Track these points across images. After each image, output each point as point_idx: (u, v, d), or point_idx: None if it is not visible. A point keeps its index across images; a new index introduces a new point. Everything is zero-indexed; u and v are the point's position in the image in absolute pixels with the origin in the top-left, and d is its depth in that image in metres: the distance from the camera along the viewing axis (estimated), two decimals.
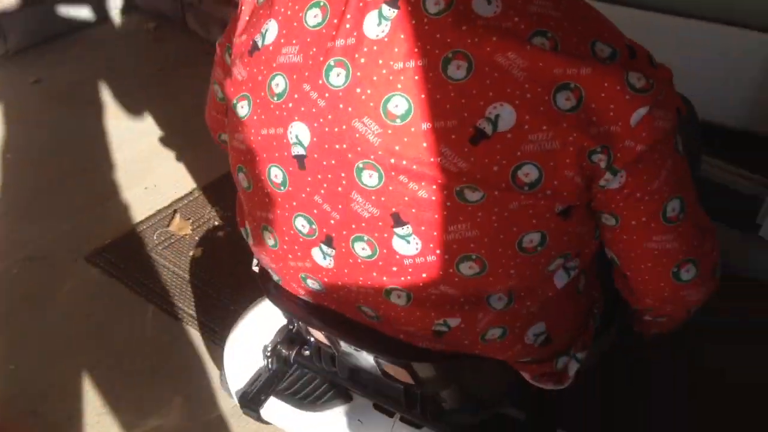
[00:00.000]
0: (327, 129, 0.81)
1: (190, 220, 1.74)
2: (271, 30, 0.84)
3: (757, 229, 1.59)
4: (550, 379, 0.99)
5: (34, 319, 1.50)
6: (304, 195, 0.87)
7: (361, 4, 0.78)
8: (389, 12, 0.76)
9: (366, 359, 1.07)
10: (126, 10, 2.58)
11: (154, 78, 2.27)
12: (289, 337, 1.24)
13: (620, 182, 0.80)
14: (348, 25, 0.78)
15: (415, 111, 0.77)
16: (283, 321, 1.27)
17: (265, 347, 1.25)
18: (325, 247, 0.89)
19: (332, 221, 0.87)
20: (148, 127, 2.05)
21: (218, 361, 1.40)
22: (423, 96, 0.76)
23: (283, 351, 1.24)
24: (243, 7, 0.90)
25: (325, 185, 0.85)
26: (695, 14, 1.75)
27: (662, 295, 0.91)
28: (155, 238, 1.69)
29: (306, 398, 1.26)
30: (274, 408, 1.25)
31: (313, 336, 1.14)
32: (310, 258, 0.92)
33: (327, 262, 0.90)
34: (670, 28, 1.77)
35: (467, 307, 0.87)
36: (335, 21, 0.79)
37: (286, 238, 0.92)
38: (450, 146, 0.76)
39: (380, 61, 0.77)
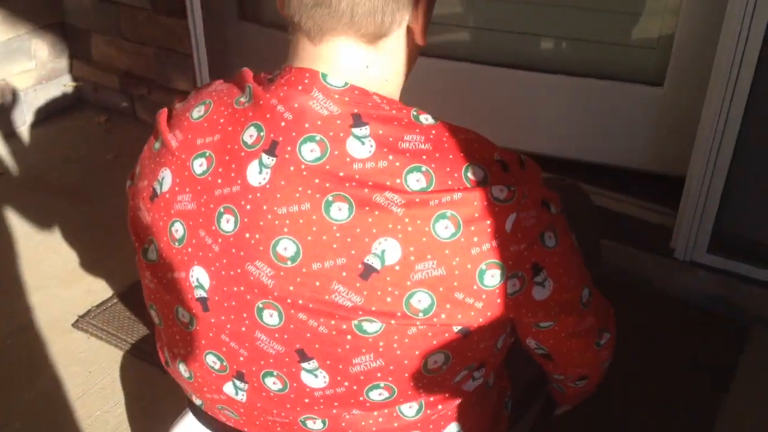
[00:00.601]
0: (224, 272, 0.86)
1: None
2: (167, 178, 0.90)
3: (671, 252, 1.86)
4: None
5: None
6: (211, 334, 0.91)
7: (242, 154, 0.84)
8: (268, 161, 0.82)
9: None
10: (72, 108, 2.73)
11: (114, 162, 2.42)
12: None
13: (540, 285, 0.86)
14: (233, 174, 0.84)
15: (305, 252, 0.81)
16: None
17: None
18: (237, 382, 0.94)
19: (241, 358, 0.91)
20: (103, 214, 2.19)
21: None
22: (309, 238, 0.81)
23: None
24: (144, 149, 0.97)
25: (228, 326, 0.89)
26: (590, 73, 2.06)
27: (585, 361, 1.03)
28: (137, 303, 1.83)
29: None
30: None
31: None
32: (223, 392, 0.96)
33: (240, 396, 0.95)
34: (570, 89, 2.07)
35: (382, 421, 0.92)
36: (220, 170, 0.85)
37: (199, 373, 0.97)
38: (342, 283, 0.81)
39: (264, 207, 0.82)
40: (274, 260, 0.83)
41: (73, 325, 1.77)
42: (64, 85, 2.69)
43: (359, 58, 0.84)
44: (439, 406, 0.94)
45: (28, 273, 1.94)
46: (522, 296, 0.86)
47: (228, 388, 0.95)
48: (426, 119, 0.84)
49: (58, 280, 1.91)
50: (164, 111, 0.97)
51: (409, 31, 0.87)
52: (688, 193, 1.81)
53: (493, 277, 0.82)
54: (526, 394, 1.15)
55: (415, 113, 0.84)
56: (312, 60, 0.84)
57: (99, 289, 1.88)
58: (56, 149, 2.50)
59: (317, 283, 0.82)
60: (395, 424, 0.93)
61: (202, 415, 1.08)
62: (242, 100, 0.88)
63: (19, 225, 2.12)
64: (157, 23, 2.41)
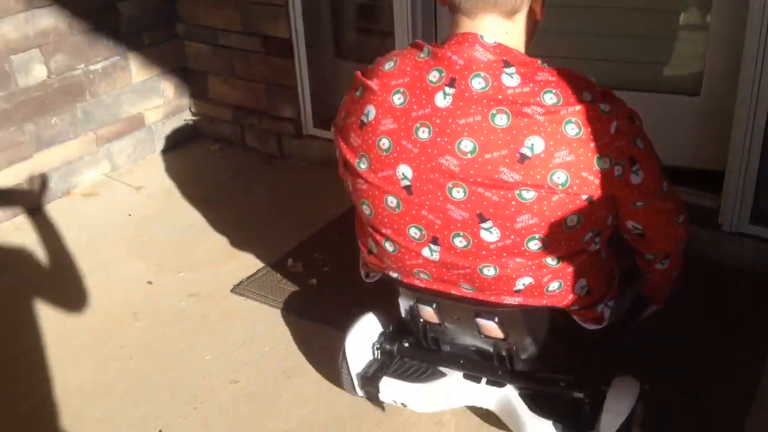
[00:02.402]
0: (422, 166, 1.30)
1: (300, 263, 2.30)
2: (371, 111, 1.34)
3: (719, 227, 2.25)
4: (593, 322, 1.48)
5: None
6: (413, 211, 1.33)
7: (430, 88, 1.29)
8: (450, 91, 1.28)
9: (463, 330, 1.52)
10: (189, 139, 3.21)
11: (234, 178, 2.88)
12: (390, 336, 1.72)
13: (634, 174, 1.28)
14: (424, 101, 1.29)
15: (479, 148, 1.25)
16: (380, 328, 1.72)
17: (373, 344, 1.71)
18: (432, 246, 1.36)
19: (436, 226, 1.33)
20: (247, 208, 2.64)
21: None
22: (482, 138, 1.25)
23: (387, 346, 1.70)
24: (345, 99, 1.44)
25: (427, 203, 1.31)
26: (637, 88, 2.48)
27: (668, 235, 1.46)
28: (278, 275, 2.25)
29: (410, 376, 1.68)
30: (386, 386, 1.65)
31: (422, 318, 1.55)
32: (421, 256, 1.38)
33: (434, 256, 1.37)
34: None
35: (534, 268, 1.35)
36: (413, 99, 1.30)
37: (403, 244, 1.38)
38: (506, 167, 1.24)
39: (449, 120, 1.27)
40: (459, 154, 1.28)
41: (231, 291, 2.19)
42: (184, 119, 3.18)
43: (501, 27, 1.31)
44: (573, 263, 1.36)
45: (186, 259, 2.37)
46: (624, 180, 1.30)
47: (425, 251, 1.38)
48: (547, 65, 1.30)
49: (212, 262, 2.34)
50: (358, 72, 1.43)
51: (531, 10, 1.34)
52: (729, 179, 2.21)
53: (605, 163, 1.26)
54: (621, 282, 1.55)
55: (540, 61, 1.32)
56: (470, 29, 1.32)
57: (244, 267, 2.30)
58: (183, 170, 2.97)
59: (489, 167, 1.26)
60: (543, 270, 1.36)
61: (394, 282, 1.50)
62: (422, 56, 1.34)
63: (166, 224, 2.57)
64: (267, 63, 2.89)
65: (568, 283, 1.39)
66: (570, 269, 1.37)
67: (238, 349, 1.96)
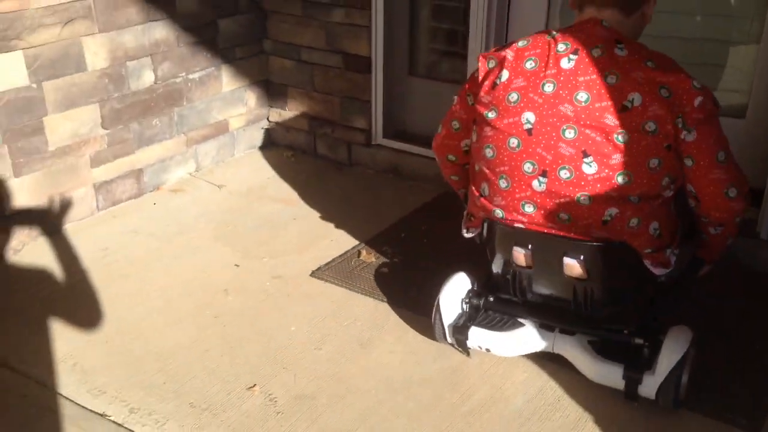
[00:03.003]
0: (544, 112, 1.68)
1: (372, 254, 2.55)
2: (505, 74, 1.74)
3: (758, 235, 2.45)
4: (661, 265, 1.76)
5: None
6: (531, 149, 1.70)
7: (557, 54, 1.69)
8: (573, 56, 1.69)
9: (549, 274, 1.80)
10: (265, 145, 3.50)
11: (307, 182, 3.16)
12: (477, 292, 2.02)
13: (692, 136, 1.64)
14: (551, 64, 1.70)
15: (592, 99, 1.65)
16: (468, 286, 2.03)
17: (462, 299, 2.01)
18: (541, 178, 1.70)
19: (547, 161, 1.69)
20: (320, 207, 2.91)
21: (420, 322, 2.13)
22: (594, 91, 1.65)
23: (474, 300, 2.01)
24: (478, 74, 1.80)
25: (543, 142, 1.69)
26: None
27: (719, 206, 1.73)
28: (352, 263, 2.50)
29: (494, 325, 1.98)
30: (474, 334, 1.96)
31: (515, 263, 1.83)
32: (530, 188, 1.72)
33: (542, 188, 1.71)
34: None
35: (620, 202, 1.66)
36: (542, 64, 1.71)
37: (516, 179, 1.73)
38: (611, 114, 1.64)
39: (571, 78, 1.67)
40: (575, 103, 1.66)
41: (310, 275, 2.45)
42: (262, 127, 3.47)
43: (616, 20, 1.72)
44: (650, 204, 1.66)
45: (267, 247, 2.64)
46: (683, 141, 1.67)
47: (534, 183, 1.71)
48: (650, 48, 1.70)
49: (291, 251, 2.61)
50: (482, 54, 1.81)
51: (643, 13, 1.75)
52: None
53: (680, 124, 1.64)
54: (683, 238, 1.83)
55: (645, 45, 1.68)
56: (594, 16, 1.72)
57: (320, 256, 2.56)
58: (261, 172, 3.26)
59: (597, 114, 1.64)
60: (627, 205, 1.66)
61: (500, 227, 1.82)
62: (548, 37, 1.74)
63: (247, 217, 2.85)
64: (345, 78, 3.18)
65: (645, 221, 1.69)
66: (647, 209, 1.68)
67: (320, 323, 2.21)
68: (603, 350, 1.87)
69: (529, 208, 1.76)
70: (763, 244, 2.44)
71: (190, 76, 3.04)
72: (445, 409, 1.87)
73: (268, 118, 3.49)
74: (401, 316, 2.21)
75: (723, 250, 1.90)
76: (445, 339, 2.03)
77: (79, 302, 2.31)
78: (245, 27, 3.21)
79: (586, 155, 1.66)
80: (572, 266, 1.76)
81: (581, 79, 1.66)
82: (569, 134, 1.67)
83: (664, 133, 1.64)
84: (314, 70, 3.26)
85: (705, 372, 1.92)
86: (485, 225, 1.87)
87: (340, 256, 2.55)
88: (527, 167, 1.72)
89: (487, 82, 1.77)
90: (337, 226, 2.76)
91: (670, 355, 1.78)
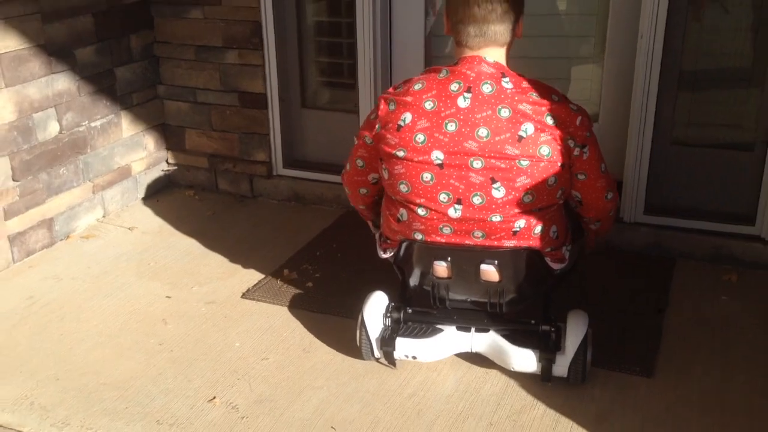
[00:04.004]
0: (451, 149, 1.88)
1: (294, 272, 2.77)
2: (408, 116, 1.92)
3: (621, 219, 2.88)
4: (559, 261, 2.06)
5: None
6: (444, 181, 1.90)
7: (452, 94, 1.88)
8: (468, 95, 1.88)
9: (466, 282, 2.01)
10: (167, 187, 3.62)
11: (215, 216, 3.32)
12: (396, 306, 2.20)
13: (587, 155, 1.94)
14: (449, 104, 1.89)
15: (492, 133, 1.86)
16: (387, 302, 2.19)
17: (383, 315, 2.18)
18: (456, 206, 1.93)
19: (460, 190, 1.90)
20: (233, 238, 3.08)
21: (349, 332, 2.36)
22: (493, 126, 1.86)
23: (395, 314, 2.18)
24: (377, 118, 1.99)
25: (454, 173, 1.89)
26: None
27: (599, 207, 2.08)
28: (278, 282, 2.70)
29: (417, 334, 2.16)
30: (400, 344, 2.13)
31: (435, 275, 2.04)
32: (446, 215, 1.94)
33: (458, 214, 1.94)
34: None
35: (526, 215, 1.93)
36: (441, 104, 1.90)
37: (434, 208, 1.95)
38: (510, 144, 1.86)
39: (470, 116, 1.87)
40: (477, 138, 1.87)
41: (242, 297, 2.63)
42: (162, 170, 3.60)
43: (496, 51, 1.93)
44: (549, 212, 1.95)
45: (193, 277, 2.79)
46: (578, 156, 1.92)
47: (450, 211, 1.93)
48: (525, 76, 1.93)
49: (217, 278, 2.77)
50: (382, 96, 2.00)
51: (514, 36, 1.96)
52: (626, 183, 2.86)
53: (571, 143, 1.91)
54: (574, 232, 2.15)
55: (522, 75, 1.93)
56: (476, 54, 1.92)
57: (246, 280, 2.74)
58: (166, 212, 3.38)
59: (498, 146, 1.87)
60: (531, 217, 1.93)
61: (418, 245, 2.01)
62: (441, 75, 1.93)
63: (166, 253, 2.98)
64: (242, 115, 3.39)
65: (546, 227, 1.98)
66: (547, 216, 1.97)
67: (261, 336, 2.40)
68: (517, 340, 2.11)
69: (446, 230, 1.98)
70: (626, 227, 2.88)
71: (92, 124, 3.14)
72: (391, 393, 2.12)
73: (167, 160, 3.62)
74: (334, 322, 2.44)
75: (602, 239, 2.27)
76: (372, 355, 2.18)
77: (19, 348, 2.37)
78: (140, 74, 3.35)
79: (494, 181, 1.89)
80: (488, 272, 2.00)
81: (479, 116, 1.87)
82: (477, 164, 1.88)
83: (557, 154, 1.89)
84: (211, 110, 3.44)
85: (601, 339, 2.26)
86: (403, 245, 2.06)
87: (265, 277, 2.75)
88: (443, 197, 1.93)
89: (391, 125, 1.95)
90: (255, 252, 2.95)
91: (574, 337, 2.06)
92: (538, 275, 2.08)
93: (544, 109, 1.87)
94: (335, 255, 2.90)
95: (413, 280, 2.14)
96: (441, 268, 2.03)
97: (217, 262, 2.90)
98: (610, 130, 3.01)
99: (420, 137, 1.91)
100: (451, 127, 1.88)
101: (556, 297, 2.24)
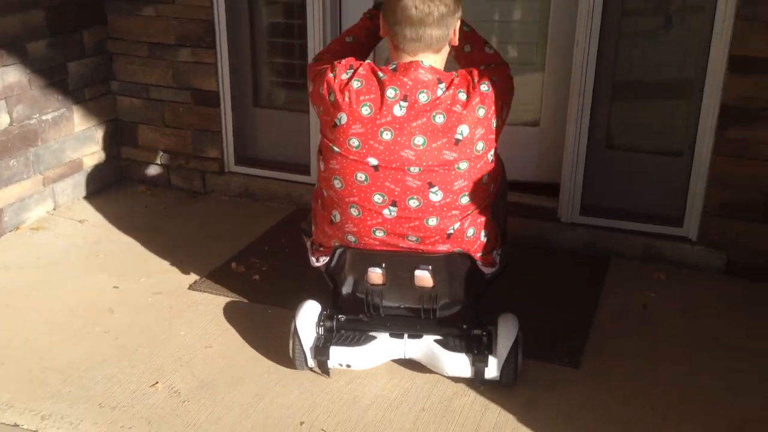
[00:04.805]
0: (387, 157, 1.86)
1: (242, 265, 2.84)
2: (343, 117, 1.88)
3: (558, 220, 3.01)
4: (490, 265, 2.10)
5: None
6: (379, 183, 1.88)
7: (389, 102, 1.85)
8: (404, 103, 1.86)
9: (400, 288, 2.04)
10: (119, 181, 3.66)
11: (166, 211, 3.37)
12: (329, 315, 2.17)
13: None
14: (385, 112, 1.86)
15: (428, 141, 1.85)
16: (319, 310, 2.18)
17: (316, 323, 2.16)
18: (391, 207, 1.91)
19: (396, 192, 1.89)
20: (183, 232, 3.13)
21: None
22: (429, 133, 1.85)
23: (328, 323, 2.17)
24: (321, 91, 1.93)
25: (390, 176, 1.87)
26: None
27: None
28: (226, 275, 2.77)
29: (350, 343, 2.16)
30: (333, 353, 2.11)
31: (369, 282, 2.05)
32: (381, 216, 1.92)
33: (392, 215, 1.92)
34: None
35: (460, 218, 1.97)
36: (377, 111, 1.86)
37: (367, 208, 1.92)
38: (447, 149, 1.86)
39: (405, 125, 1.85)
40: (414, 147, 1.87)
41: (189, 288, 2.69)
42: (115, 165, 3.63)
43: (432, 57, 1.93)
44: (481, 216, 2.00)
45: (142, 269, 2.84)
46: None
47: (385, 212, 1.93)
48: (456, 72, 1.94)
49: (165, 271, 2.83)
50: (329, 77, 1.93)
51: (450, 41, 1.96)
52: (563, 185, 2.99)
53: (494, 121, 1.93)
54: (502, 236, 2.21)
55: (453, 71, 1.94)
56: (413, 59, 1.92)
57: (195, 272, 2.80)
58: (118, 207, 3.42)
59: (436, 153, 1.87)
60: (465, 219, 1.97)
61: (352, 252, 2.02)
62: (380, 76, 1.90)
63: (116, 245, 3.02)
64: (195, 112, 3.44)
65: (478, 230, 2.01)
66: (480, 220, 2.01)
67: (206, 326, 2.46)
68: (449, 345, 2.13)
69: (379, 233, 1.96)
70: (563, 227, 3.00)
71: (44, 117, 3.17)
72: (329, 381, 2.19)
73: (120, 156, 3.65)
74: (279, 313, 2.51)
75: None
76: (305, 365, 2.16)
77: None
78: (92, 69, 3.39)
79: (431, 186, 1.89)
80: (422, 278, 2.03)
81: (414, 124, 1.86)
82: (414, 170, 1.88)
83: (488, 144, 1.92)
84: (164, 106, 3.49)
85: (534, 332, 2.34)
86: (336, 252, 2.05)
87: (214, 270, 2.81)
88: (377, 198, 1.91)
89: (327, 117, 1.93)
90: (204, 246, 3.01)
91: (504, 340, 2.09)
92: (471, 280, 2.11)
93: (473, 103, 1.88)
94: (283, 250, 2.98)
95: (346, 288, 2.15)
96: (376, 274, 2.04)
97: (166, 254, 2.95)
98: (550, 135, 3.15)
99: (354, 141, 1.89)
100: (387, 135, 1.87)
101: (487, 300, 2.28)
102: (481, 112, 1.90)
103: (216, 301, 2.61)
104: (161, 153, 3.57)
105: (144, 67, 3.43)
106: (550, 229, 3.01)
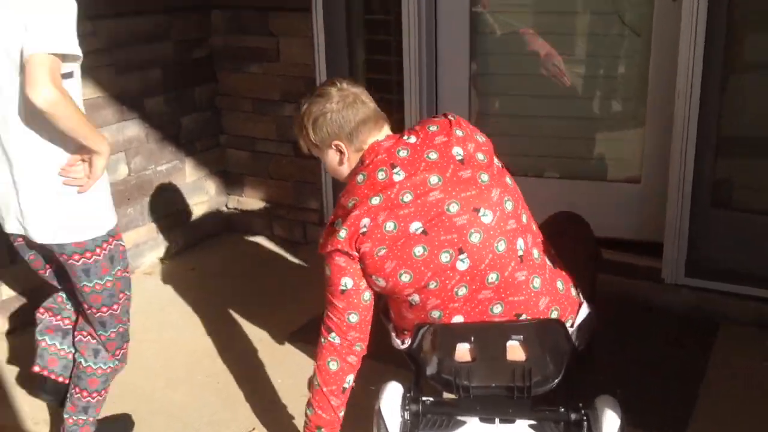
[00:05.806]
0: (421, 210, 1.76)
1: None
2: (366, 221, 1.75)
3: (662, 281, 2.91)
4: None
5: None
6: (436, 242, 1.75)
7: (386, 181, 1.78)
8: (397, 168, 1.79)
9: (490, 365, 1.88)
10: (225, 230, 3.81)
11: (267, 261, 3.49)
12: (414, 398, 1.92)
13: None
14: (388, 183, 1.78)
15: (440, 175, 1.77)
16: (401, 392, 1.95)
17: (401, 407, 1.90)
18: (461, 256, 1.75)
19: (455, 239, 1.75)
20: (277, 285, 3.23)
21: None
22: (436, 169, 1.78)
23: (413, 406, 1.90)
24: (342, 230, 1.79)
25: (439, 227, 1.75)
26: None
27: None
28: None
29: (438, 429, 1.93)
30: None
31: (457, 360, 1.84)
32: (457, 271, 1.75)
33: (466, 264, 1.75)
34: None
35: (521, 231, 1.82)
36: (383, 194, 1.77)
37: (443, 273, 1.76)
38: (460, 170, 1.78)
39: (413, 177, 1.77)
40: (433, 186, 1.78)
41: (289, 336, 2.76)
42: (222, 213, 3.80)
43: (382, 132, 1.90)
44: (564, 271, 1.95)
45: (245, 316, 2.94)
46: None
47: (459, 264, 1.78)
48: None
49: (267, 318, 2.92)
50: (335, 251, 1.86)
51: None
52: (667, 245, 2.90)
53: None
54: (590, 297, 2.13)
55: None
56: (371, 141, 1.88)
57: (294, 321, 2.87)
58: (226, 255, 3.57)
59: (454, 178, 1.79)
60: (526, 233, 1.86)
61: (437, 328, 1.87)
62: (359, 181, 1.82)
63: (222, 292, 3.15)
64: (296, 164, 3.57)
65: (564, 285, 1.91)
66: (563, 274, 1.92)
67: (305, 374, 2.51)
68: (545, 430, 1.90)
69: (462, 291, 1.82)
70: (667, 288, 2.91)
71: (158, 168, 3.37)
72: None
73: (227, 205, 3.82)
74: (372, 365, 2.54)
75: None
76: None
77: None
78: (203, 123, 3.59)
79: (477, 210, 1.79)
80: (515, 348, 1.87)
81: (420, 169, 1.81)
82: (453, 209, 1.78)
83: (489, 155, 1.87)
84: (270, 159, 3.64)
85: (637, 401, 2.27)
86: (420, 331, 1.91)
87: (312, 319, 2.87)
88: (444, 258, 1.78)
89: (354, 242, 1.82)
90: (305, 295, 3.08)
91: (608, 427, 1.84)
92: (563, 350, 1.95)
93: (453, 136, 1.86)
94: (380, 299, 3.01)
95: (431, 369, 1.98)
96: (464, 350, 1.90)
97: (268, 303, 3.05)
98: (651, 192, 3.08)
99: (390, 225, 1.80)
100: (407, 197, 1.80)
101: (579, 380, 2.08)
102: (459, 133, 1.88)
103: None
104: (265, 204, 3.71)
105: (248, 122, 3.60)
106: (653, 290, 2.91)
